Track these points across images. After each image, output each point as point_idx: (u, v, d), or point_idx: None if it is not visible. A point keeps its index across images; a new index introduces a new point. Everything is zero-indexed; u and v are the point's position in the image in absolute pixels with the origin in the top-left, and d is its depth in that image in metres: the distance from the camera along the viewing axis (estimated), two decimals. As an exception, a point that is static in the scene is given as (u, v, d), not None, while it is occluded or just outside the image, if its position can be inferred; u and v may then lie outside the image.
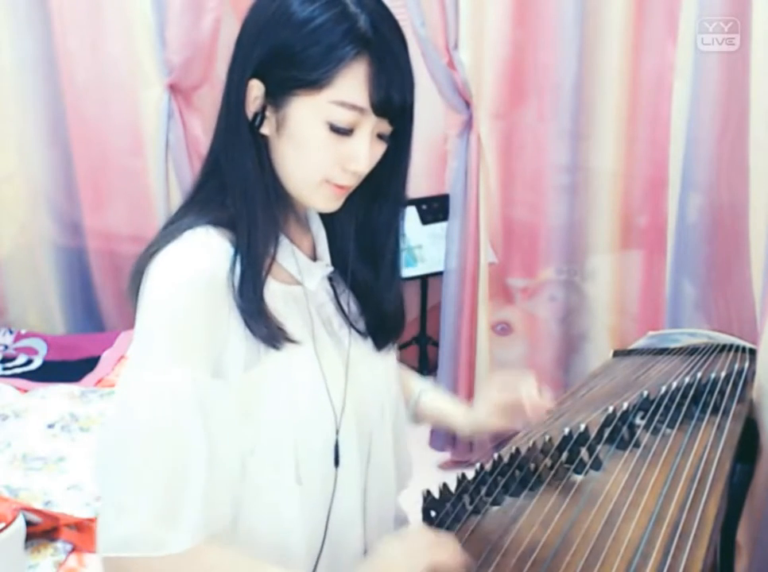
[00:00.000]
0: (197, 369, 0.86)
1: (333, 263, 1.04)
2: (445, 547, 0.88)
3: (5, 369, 2.47)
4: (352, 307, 1.04)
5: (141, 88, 2.59)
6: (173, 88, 2.56)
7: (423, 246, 2.85)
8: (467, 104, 2.40)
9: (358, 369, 1.02)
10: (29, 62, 2.62)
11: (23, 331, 2.68)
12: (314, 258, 1.03)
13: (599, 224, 2.45)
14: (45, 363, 2.52)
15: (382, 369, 1.07)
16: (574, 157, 2.41)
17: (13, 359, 2.52)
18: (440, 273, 2.66)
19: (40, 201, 2.75)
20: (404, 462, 1.15)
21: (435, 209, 2.91)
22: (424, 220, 2.87)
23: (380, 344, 1.06)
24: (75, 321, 2.85)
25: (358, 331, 1.04)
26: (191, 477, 0.85)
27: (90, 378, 2.40)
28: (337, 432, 0.97)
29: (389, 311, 1.05)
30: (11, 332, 2.67)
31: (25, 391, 2.31)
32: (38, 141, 2.69)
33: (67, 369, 2.46)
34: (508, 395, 1.10)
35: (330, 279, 1.04)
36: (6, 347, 2.59)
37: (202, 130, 2.63)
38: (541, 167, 2.46)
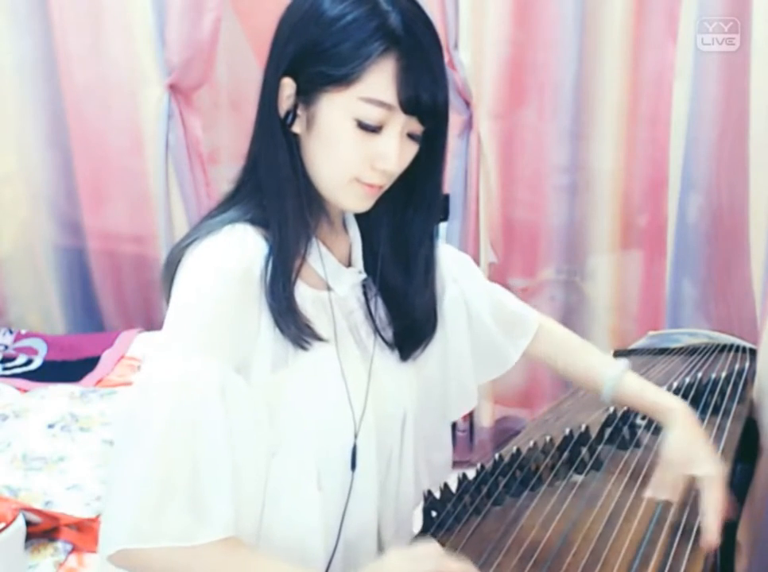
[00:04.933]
0: (222, 361, 0.85)
1: (366, 268, 1.03)
2: (451, 567, 0.85)
3: (5, 369, 2.46)
4: (381, 315, 1.03)
5: (141, 88, 2.58)
6: (173, 88, 2.56)
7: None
8: (467, 104, 2.40)
9: (382, 379, 1.00)
10: (29, 62, 2.61)
11: (23, 331, 2.68)
12: (349, 264, 1.02)
13: (599, 224, 2.45)
14: (45, 363, 2.52)
15: (405, 382, 1.05)
16: (574, 157, 2.41)
17: (13, 359, 2.52)
18: (440, 273, 2.66)
19: (40, 201, 2.75)
20: (425, 475, 1.13)
21: (435, 209, 2.90)
22: (425, 220, 2.87)
23: (407, 353, 1.04)
24: (75, 321, 2.85)
25: (386, 341, 1.03)
26: (216, 465, 0.83)
27: (90, 378, 2.39)
28: (356, 437, 0.96)
29: (420, 316, 1.03)
30: (11, 332, 2.66)
31: (25, 391, 2.31)
32: (38, 141, 2.69)
33: (67, 369, 2.45)
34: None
35: (363, 286, 1.03)
36: (6, 347, 2.59)
37: (202, 130, 2.63)
38: (541, 167, 2.46)
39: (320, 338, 0.92)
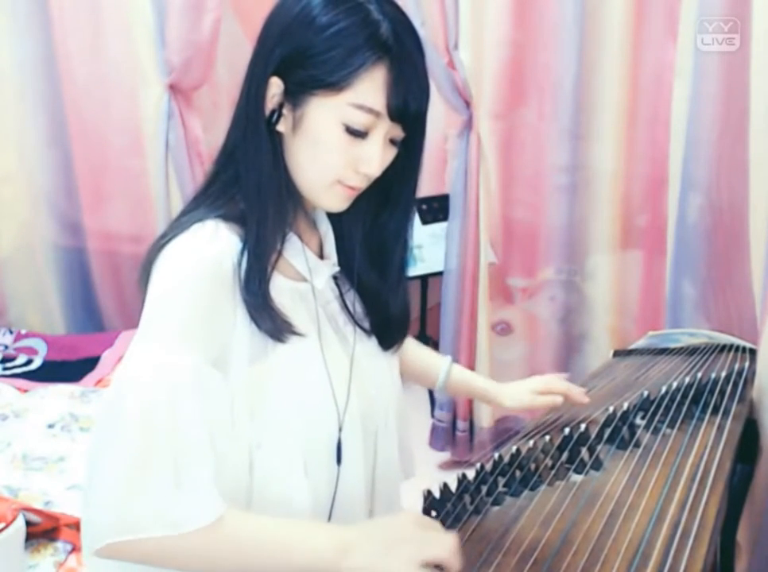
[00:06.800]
0: (198, 356, 0.86)
1: (339, 263, 1.05)
2: (454, 566, 0.85)
3: (5, 369, 2.47)
4: (357, 308, 1.05)
5: (141, 88, 2.59)
6: (173, 88, 2.56)
7: (423, 246, 2.85)
8: (467, 104, 2.40)
9: (363, 366, 1.03)
10: (29, 62, 2.62)
11: (23, 331, 2.68)
12: (321, 257, 1.04)
13: (599, 224, 2.45)
14: (45, 363, 2.52)
15: (386, 367, 1.08)
16: (574, 157, 2.41)
17: (13, 359, 2.52)
18: (440, 273, 2.66)
19: (40, 201, 2.75)
20: (406, 458, 1.16)
21: (435, 209, 2.90)
22: (424, 220, 2.87)
23: (386, 345, 1.07)
24: (75, 321, 2.85)
25: (363, 329, 1.05)
26: (197, 453, 0.84)
27: (90, 378, 2.40)
28: (340, 430, 0.97)
29: (395, 313, 1.06)
30: (11, 332, 2.67)
31: (25, 391, 2.31)
32: (38, 141, 2.69)
33: (67, 369, 2.46)
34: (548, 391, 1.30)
35: (335, 278, 1.05)
36: (6, 347, 2.59)
37: (202, 130, 2.63)
38: (541, 167, 2.46)
39: (297, 333, 0.93)
